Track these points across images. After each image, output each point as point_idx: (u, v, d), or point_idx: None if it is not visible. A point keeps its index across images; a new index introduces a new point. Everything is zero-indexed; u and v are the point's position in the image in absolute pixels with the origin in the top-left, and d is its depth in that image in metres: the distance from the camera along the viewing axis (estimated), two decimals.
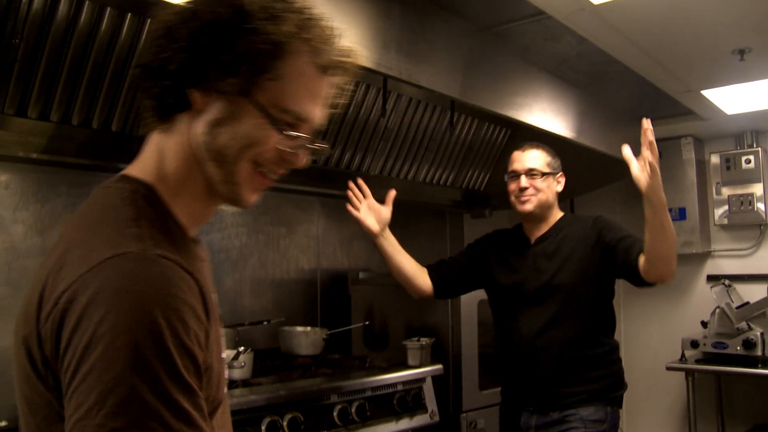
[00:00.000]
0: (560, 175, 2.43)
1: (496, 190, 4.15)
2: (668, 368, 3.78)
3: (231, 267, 3.15)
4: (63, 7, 1.97)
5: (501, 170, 4.09)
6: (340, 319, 3.34)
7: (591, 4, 2.13)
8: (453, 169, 3.75)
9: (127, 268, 0.75)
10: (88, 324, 0.72)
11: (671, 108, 3.54)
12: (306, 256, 3.48)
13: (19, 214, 2.43)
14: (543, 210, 2.38)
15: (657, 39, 2.49)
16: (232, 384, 2.30)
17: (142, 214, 0.85)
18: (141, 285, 0.74)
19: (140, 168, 0.93)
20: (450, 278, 2.51)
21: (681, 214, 4.10)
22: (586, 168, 3.97)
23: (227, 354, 2.37)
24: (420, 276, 2.45)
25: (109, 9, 2.04)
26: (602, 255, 2.29)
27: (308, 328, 3.07)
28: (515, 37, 2.54)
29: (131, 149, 2.48)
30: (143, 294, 0.73)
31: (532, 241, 2.41)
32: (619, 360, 2.40)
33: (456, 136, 3.59)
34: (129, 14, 2.10)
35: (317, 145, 0.94)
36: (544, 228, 2.40)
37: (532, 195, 2.34)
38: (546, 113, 2.87)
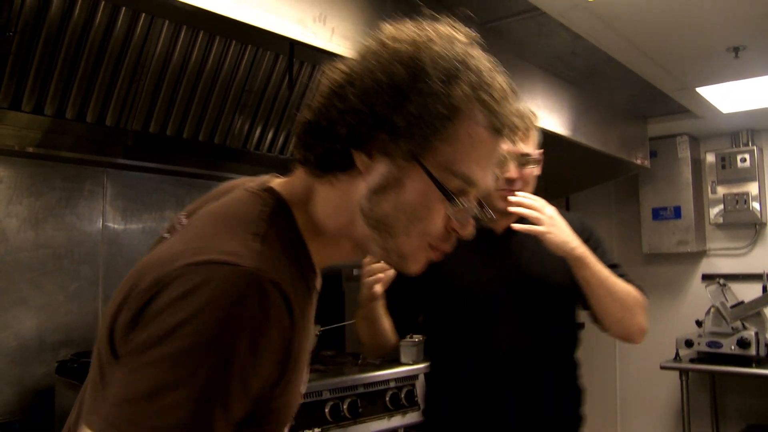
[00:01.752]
0: (541, 152, 1.85)
1: None
2: (662, 367, 3.78)
3: None
4: (58, 0, 1.97)
5: None
6: (333, 315, 3.33)
7: (585, 0, 2.13)
8: None
9: (233, 283, 0.72)
10: (170, 317, 0.70)
11: (667, 106, 3.54)
12: None
13: (13, 207, 2.43)
14: None
15: (652, 36, 2.49)
16: None
17: (273, 234, 0.81)
18: (238, 308, 0.71)
19: (289, 191, 0.90)
20: (409, 313, 1.92)
21: (676, 213, 4.11)
22: (582, 166, 3.98)
23: None
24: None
25: (103, 2, 2.05)
26: None
27: None
28: (509, 33, 2.53)
29: (126, 144, 2.50)
30: (236, 318, 0.71)
31: (499, 231, 1.84)
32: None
33: None
34: (123, 8, 2.11)
35: (485, 214, 0.88)
36: (512, 216, 1.77)
37: (519, 189, 1.76)
38: (540, 110, 2.86)
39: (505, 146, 1.69)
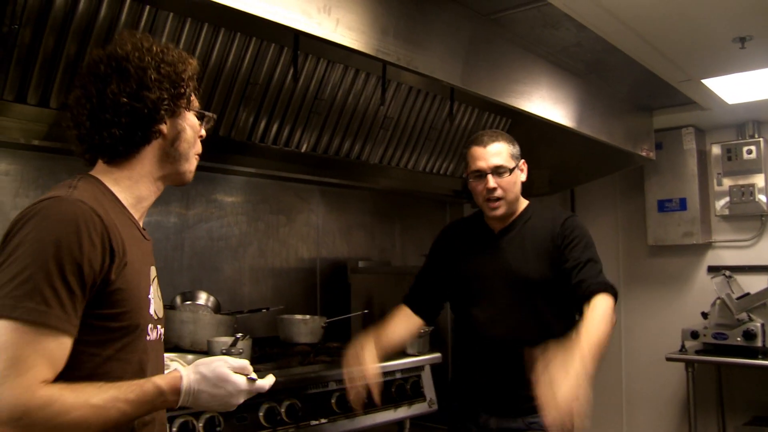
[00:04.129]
0: (523, 162, 2.25)
1: None
2: (668, 359, 3.78)
3: (230, 255, 3.16)
4: None
5: None
6: (339, 307, 3.34)
7: None
8: (453, 158, 3.75)
9: (53, 204, 1.21)
10: (19, 232, 1.18)
11: (672, 98, 3.53)
12: (306, 245, 3.49)
13: (20, 200, 2.44)
14: (512, 206, 2.24)
15: (656, 26, 2.48)
16: None
17: (79, 185, 1.28)
18: (58, 215, 1.19)
19: (95, 171, 1.37)
20: (432, 299, 2.39)
21: (682, 205, 4.09)
22: (586, 158, 3.97)
23: (224, 340, 2.38)
24: (411, 326, 2.35)
25: None
26: (559, 262, 2.16)
27: (307, 317, 3.07)
28: (514, 24, 2.53)
29: None
30: (57, 221, 1.18)
31: (496, 232, 2.28)
32: None
33: (456, 125, 3.58)
34: (128, 0, 2.11)
35: (209, 114, 1.50)
36: (510, 219, 2.27)
37: (501, 197, 2.18)
38: (546, 101, 2.86)
39: (482, 163, 2.19)
